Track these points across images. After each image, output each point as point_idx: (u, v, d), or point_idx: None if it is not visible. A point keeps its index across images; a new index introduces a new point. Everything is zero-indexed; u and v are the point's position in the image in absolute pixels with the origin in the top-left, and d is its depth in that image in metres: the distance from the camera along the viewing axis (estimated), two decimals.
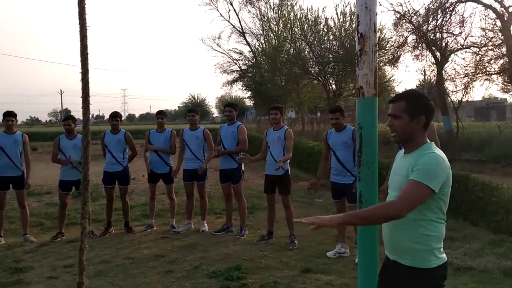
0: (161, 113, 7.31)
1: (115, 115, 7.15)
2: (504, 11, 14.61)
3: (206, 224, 7.10)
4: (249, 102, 43.61)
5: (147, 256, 5.78)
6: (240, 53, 35.83)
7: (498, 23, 14.78)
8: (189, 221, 7.20)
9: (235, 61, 36.11)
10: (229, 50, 37.41)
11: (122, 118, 7.37)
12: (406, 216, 2.24)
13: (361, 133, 3.09)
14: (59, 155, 6.84)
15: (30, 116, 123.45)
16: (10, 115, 6.72)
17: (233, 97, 52.47)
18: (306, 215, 7.94)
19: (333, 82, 23.67)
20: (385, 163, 8.17)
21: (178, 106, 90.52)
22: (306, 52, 23.88)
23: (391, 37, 19.98)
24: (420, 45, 17.01)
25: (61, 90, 72.86)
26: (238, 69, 35.96)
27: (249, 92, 35.64)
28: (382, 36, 20.39)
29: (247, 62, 35.34)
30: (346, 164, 5.50)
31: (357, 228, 3.40)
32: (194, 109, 7.59)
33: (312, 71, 23.91)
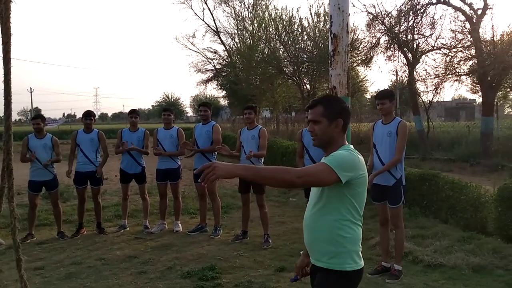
0: (134, 112, 7.22)
1: (88, 114, 7.02)
2: (473, 13, 15.00)
3: (180, 224, 7.04)
4: (223, 102, 43.58)
5: (119, 257, 5.69)
6: (215, 52, 35.78)
7: (467, 25, 15.17)
8: (163, 221, 7.13)
9: (209, 60, 36.04)
10: (204, 49, 37.37)
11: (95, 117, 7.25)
12: (322, 216, 2.25)
13: None
14: (28, 155, 6.68)
15: None
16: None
17: (208, 96, 52.34)
18: (281, 214, 8.04)
19: (308, 82, 23.84)
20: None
21: (152, 105, 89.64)
22: (280, 52, 23.97)
23: (364, 38, 20.27)
24: (392, 46, 17.30)
25: (31, 88, 71.10)
26: (213, 68, 35.88)
27: (224, 92, 35.65)
28: (355, 37, 20.65)
29: (221, 61, 35.30)
30: None
31: None
32: (169, 108, 7.53)
33: (287, 71, 24.01)
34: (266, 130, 6.56)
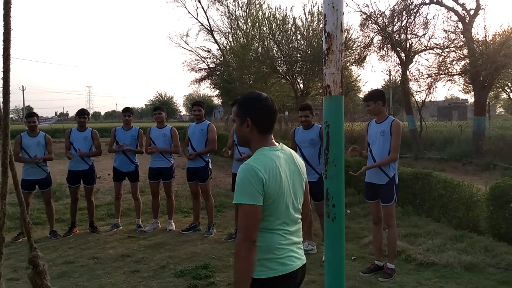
0: (127, 111, 7.19)
1: (82, 112, 7.00)
2: (466, 13, 15.08)
3: (173, 223, 7.03)
4: (217, 101, 43.47)
5: (112, 256, 5.67)
6: (208, 51, 35.69)
7: (460, 25, 15.25)
8: (156, 220, 7.11)
9: (203, 59, 35.92)
10: (197, 48, 37.35)
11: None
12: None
13: (328, 131, 3.12)
14: (21, 154, 6.63)
15: None
16: (31, 116, 6.78)
17: (201, 95, 52.25)
18: None
19: (301, 81, 23.88)
20: (351, 161, 8.34)
21: (145, 104, 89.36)
22: (274, 51, 23.98)
23: (357, 38, 20.34)
24: (385, 45, 17.34)
25: (23, 87, 70.49)
26: (206, 67, 35.77)
27: (217, 91, 35.53)
28: (349, 36, 20.71)
29: (215, 60, 35.19)
30: (311, 161, 5.53)
31: (324, 225, 3.45)
32: (160, 106, 7.51)
33: (280, 70, 24.03)
34: None
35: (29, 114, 6.99)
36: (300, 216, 2.39)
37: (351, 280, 4.64)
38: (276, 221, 2.19)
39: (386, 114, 4.93)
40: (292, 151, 2.47)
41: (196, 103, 6.92)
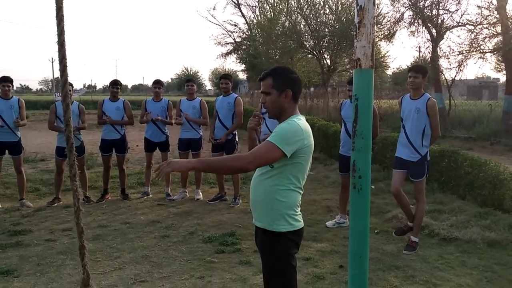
0: (158, 83, 7.34)
1: (115, 83, 7.17)
2: None
3: (200, 193, 7.24)
4: (242, 75, 43.38)
5: (143, 221, 5.92)
6: (235, 25, 35.49)
7: (494, 1, 14.77)
8: (184, 189, 7.33)
9: (229, 33, 35.76)
10: (224, 21, 37.20)
11: None
12: (263, 181, 2.44)
13: (357, 104, 3.19)
14: (56, 122, 6.88)
15: (21, 84, 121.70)
16: (6, 81, 6.71)
17: (227, 70, 52.12)
18: None
19: (328, 57, 23.62)
20: (378, 137, 8.34)
21: (171, 78, 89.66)
22: (301, 25, 23.72)
23: (387, 12, 19.94)
24: (416, 21, 16.97)
25: (52, 58, 71.61)
26: (233, 41, 35.63)
27: (243, 65, 35.45)
28: (379, 11, 20.28)
29: (241, 34, 35.00)
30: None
31: (350, 195, 3.56)
32: (192, 79, 7.65)
33: (307, 45, 23.79)
34: None
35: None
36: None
37: (374, 252, 4.75)
38: (302, 181, 2.46)
39: (422, 91, 4.93)
40: None
41: (224, 76, 7.00)
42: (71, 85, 7.18)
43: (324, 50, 23.30)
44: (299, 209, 2.51)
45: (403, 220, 5.50)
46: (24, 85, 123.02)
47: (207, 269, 4.32)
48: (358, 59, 3.33)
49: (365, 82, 3.20)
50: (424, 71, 4.91)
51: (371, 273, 4.15)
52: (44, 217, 6.15)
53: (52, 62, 71.11)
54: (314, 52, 23.78)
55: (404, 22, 17.74)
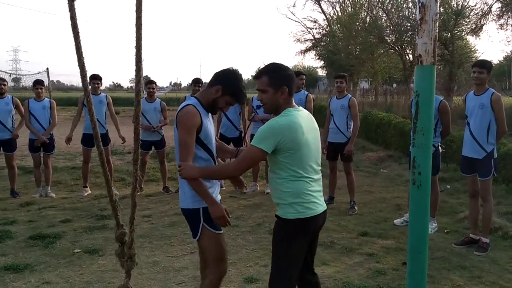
0: (151, 83, 7.64)
1: (197, 81, 7.58)
2: None
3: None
4: (321, 72, 43.07)
5: None
6: (315, 22, 35.32)
7: None
8: (255, 183, 7.60)
9: (308, 30, 35.70)
10: (304, 18, 37.00)
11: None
12: (270, 175, 2.62)
13: (418, 100, 3.20)
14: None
15: (113, 82, 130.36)
16: (96, 78, 7.38)
17: (306, 66, 52.03)
18: (369, 184, 8.10)
19: (410, 52, 22.84)
20: (457, 136, 8.03)
21: (252, 76, 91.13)
22: (383, 20, 23.17)
23: (474, 5, 18.81)
24: (505, 13, 15.87)
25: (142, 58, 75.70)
26: (312, 38, 35.54)
27: (322, 62, 35.25)
28: (466, 4, 19.23)
29: (321, 30, 34.81)
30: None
31: (409, 191, 3.57)
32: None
33: (388, 40, 23.18)
34: (364, 101, 6.59)
35: (148, 81, 7.75)
36: (320, 168, 2.74)
37: (441, 251, 4.67)
38: (301, 170, 2.56)
39: (486, 86, 4.77)
40: (309, 113, 2.76)
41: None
42: (155, 83, 7.70)
43: (406, 45, 22.57)
44: (311, 197, 2.60)
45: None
46: (116, 83, 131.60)
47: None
48: (419, 55, 3.34)
49: (426, 78, 3.20)
50: (489, 67, 4.76)
51: (434, 271, 4.11)
52: (128, 204, 6.60)
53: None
54: (396, 47, 23.11)
55: (493, 15, 16.69)
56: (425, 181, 2.93)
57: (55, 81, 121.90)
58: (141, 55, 2.92)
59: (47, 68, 15.51)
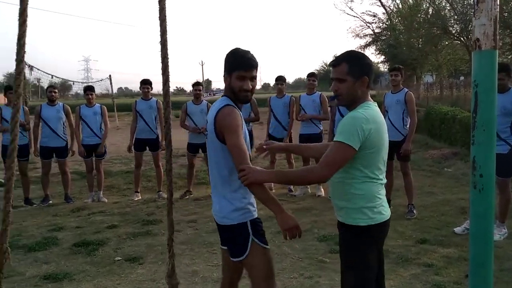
0: (146, 83, 7.41)
1: (197, 84, 7.55)
2: None
3: (322, 189, 7.10)
4: (382, 68, 41.73)
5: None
6: (374, 16, 34.05)
7: None
8: (306, 186, 7.26)
9: (368, 25, 34.50)
10: (362, 13, 35.90)
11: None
12: (337, 175, 2.29)
13: (476, 91, 2.76)
14: (187, 120, 7.35)
15: (177, 87, 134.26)
16: (146, 83, 7.43)
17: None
18: (431, 184, 7.52)
19: None
20: None
21: (305, 77, 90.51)
22: (446, 10, 21.92)
23: None
24: None
25: (202, 61, 77.50)
26: (371, 32, 34.37)
27: (382, 57, 34.04)
28: None
29: (380, 25, 33.52)
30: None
31: (470, 195, 3.13)
32: (313, 73, 7.55)
33: (453, 31, 21.89)
34: (429, 96, 6.13)
35: (196, 83, 7.65)
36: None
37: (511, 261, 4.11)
38: (376, 171, 2.31)
39: (510, 85, 4.66)
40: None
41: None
42: (201, 84, 7.61)
43: (472, 35, 21.18)
44: (381, 201, 2.36)
45: None
46: (180, 88, 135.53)
47: (317, 269, 4.19)
48: (477, 39, 2.87)
49: (486, 65, 2.74)
50: (507, 69, 4.61)
51: (503, 285, 3.58)
52: (174, 208, 6.43)
53: (202, 65, 76.86)
54: (461, 38, 21.77)
55: None
56: (488, 184, 2.48)
57: (123, 88, 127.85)
58: (167, 51, 2.74)
59: (110, 75, 16.10)
